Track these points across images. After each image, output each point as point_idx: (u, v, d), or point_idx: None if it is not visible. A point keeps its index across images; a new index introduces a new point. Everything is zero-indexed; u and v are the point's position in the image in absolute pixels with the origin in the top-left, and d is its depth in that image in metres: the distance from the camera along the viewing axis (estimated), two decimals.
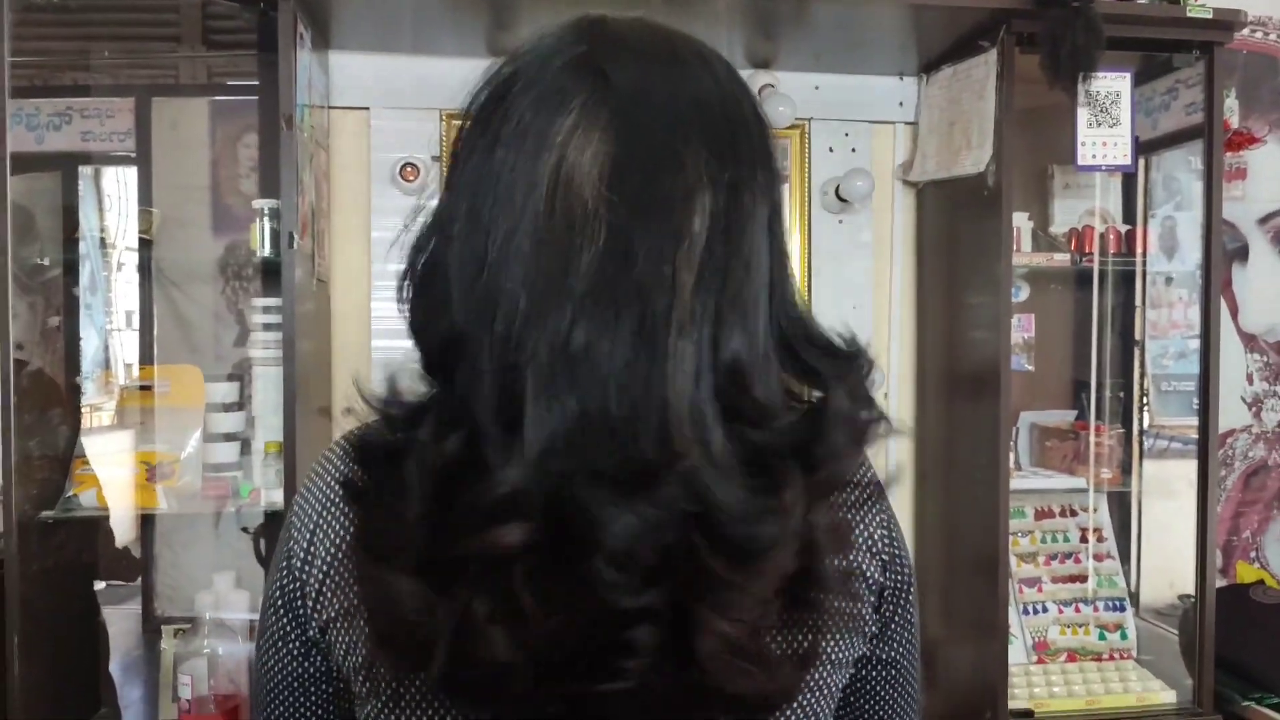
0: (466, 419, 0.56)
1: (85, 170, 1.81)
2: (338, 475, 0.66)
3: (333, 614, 0.66)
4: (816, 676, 0.67)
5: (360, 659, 0.65)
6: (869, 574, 0.69)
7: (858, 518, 0.69)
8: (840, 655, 0.68)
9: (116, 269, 1.83)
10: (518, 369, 0.54)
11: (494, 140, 0.58)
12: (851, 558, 0.68)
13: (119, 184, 1.85)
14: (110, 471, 1.62)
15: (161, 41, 1.85)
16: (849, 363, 0.62)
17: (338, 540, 0.66)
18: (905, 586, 0.72)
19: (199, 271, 1.85)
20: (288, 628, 0.69)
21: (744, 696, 0.56)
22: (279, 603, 0.69)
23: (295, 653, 0.69)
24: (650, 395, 0.54)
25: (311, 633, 0.67)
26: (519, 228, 0.56)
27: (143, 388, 1.72)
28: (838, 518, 0.63)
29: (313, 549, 0.67)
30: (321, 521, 0.67)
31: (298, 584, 0.67)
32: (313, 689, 0.69)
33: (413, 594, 0.55)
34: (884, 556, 0.70)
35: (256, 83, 1.83)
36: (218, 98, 1.89)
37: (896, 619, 0.72)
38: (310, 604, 0.67)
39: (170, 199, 1.84)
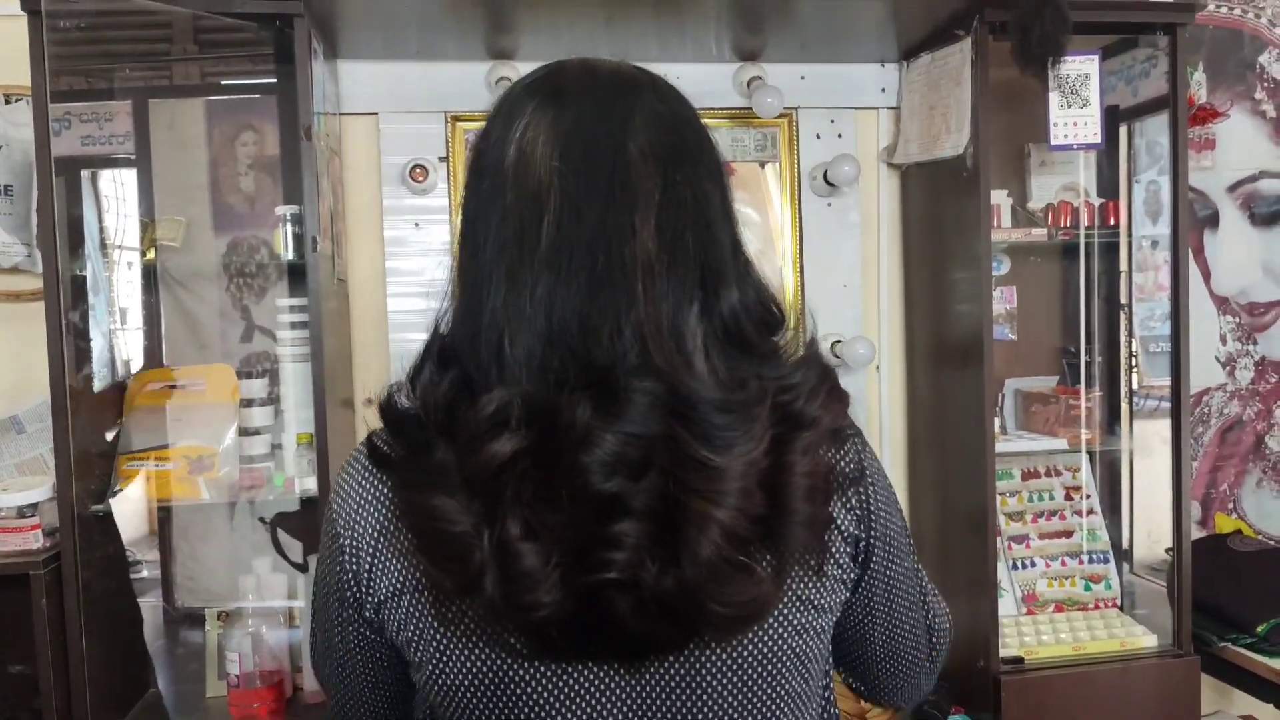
0: (459, 362, 0.68)
1: (86, 174, 1.82)
2: (366, 463, 0.75)
3: (383, 595, 0.75)
4: (801, 619, 0.74)
5: (410, 632, 0.74)
6: (843, 526, 0.76)
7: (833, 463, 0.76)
8: (822, 600, 0.75)
9: (127, 269, 1.88)
10: (498, 321, 0.66)
11: (479, 155, 0.73)
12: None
13: (118, 185, 1.88)
14: (152, 466, 1.73)
15: (155, 44, 1.88)
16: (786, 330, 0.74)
17: (379, 522, 0.74)
18: (883, 538, 0.79)
19: (202, 270, 1.91)
20: (348, 614, 0.78)
21: (728, 599, 0.65)
22: (333, 592, 0.78)
23: (356, 633, 0.79)
24: (615, 322, 0.65)
25: (368, 614, 0.76)
26: (494, 212, 0.69)
27: (174, 386, 1.82)
28: (815, 453, 0.70)
29: (357, 540, 0.75)
30: (361, 511, 0.75)
31: (350, 575, 0.76)
32: (378, 653, 0.80)
33: (455, 509, 0.65)
34: (857, 512, 0.77)
35: (251, 82, 1.89)
36: (213, 98, 1.93)
37: (875, 568, 0.79)
38: (363, 589, 0.76)
39: (171, 199, 1.89)
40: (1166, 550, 2.01)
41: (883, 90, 2.12)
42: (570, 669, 0.71)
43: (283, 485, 1.76)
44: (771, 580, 0.68)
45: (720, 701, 0.72)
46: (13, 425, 1.84)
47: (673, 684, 0.72)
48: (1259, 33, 2.32)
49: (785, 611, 0.73)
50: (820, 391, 0.70)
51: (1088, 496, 2.12)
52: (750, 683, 0.73)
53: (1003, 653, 1.86)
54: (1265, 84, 2.32)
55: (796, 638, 0.74)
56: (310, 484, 1.72)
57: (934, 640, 0.89)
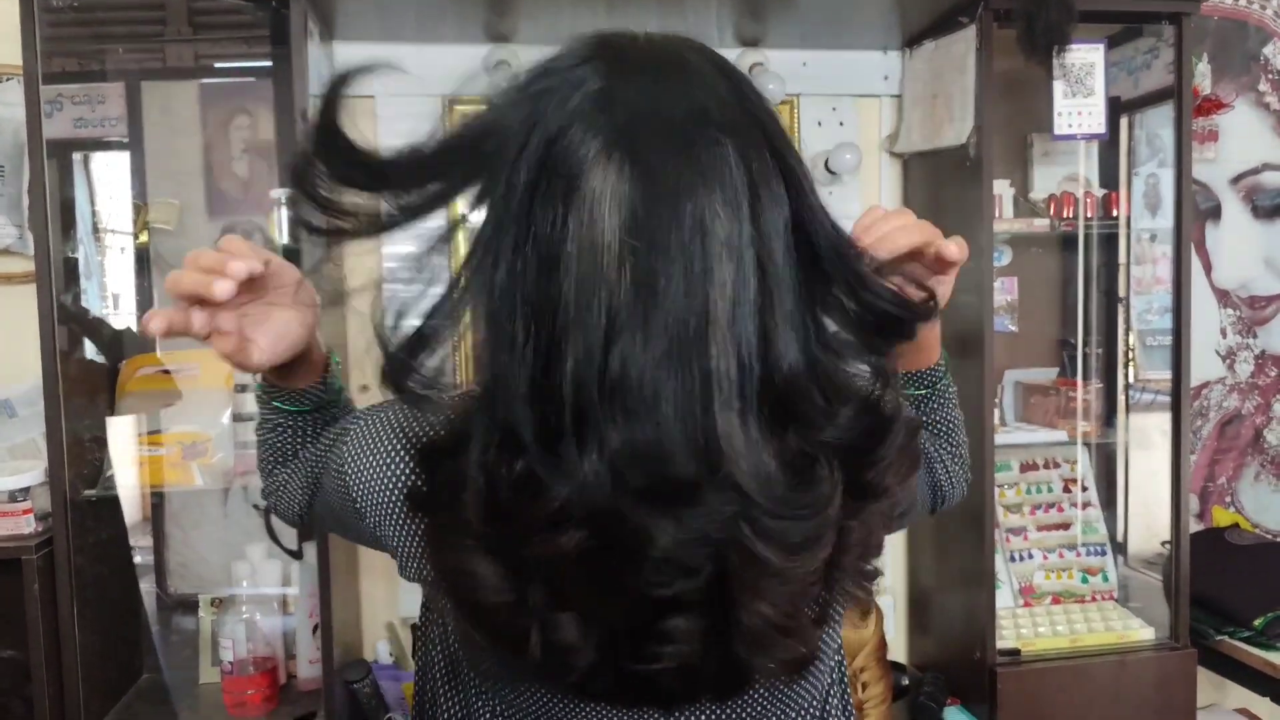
0: (523, 447, 0.59)
1: (78, 156, 1.82)
2: (402, 477, 0.71)
3: (418, 582, 0.74)
4: (833, 629, 0.75)
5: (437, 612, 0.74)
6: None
7: None
8: (843, 611, 0.75)
9: (120, 253, 1.87)
10: (562, 404, 0.58)
11: (530, 187, 0.60)
12: None
13: (110, 168, 1.86)
14: (146, 451, 1.71)
15: (149, 25, 1.87)
16: (873, 371, 0.66)
17: (416, 563, 0.72)
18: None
19: None
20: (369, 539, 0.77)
21: (776, 659, 0.63)
22: (352, 524, 0.77)
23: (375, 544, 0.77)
24: (688, 419, 0.58)
25: (398, 565, 0.75)
26: (555, 271, 0.59)
27: (166, 371, 1.80)
28: (871, 523, 0.65)
29: (394, 539, 0.73)
30: (395, 519, 0.73)
31: (379, 539, 0.75)
32: None
33: (499, 575, 0.61)
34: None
35: (246, 65, 1.88)
36: (206, 81, 1.91)
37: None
38: (400, 562, 0.75)
39: (164, 184, 1.87)
40: (1163, 543, 2.01)
41: (885, 78, 2.10)
42: (600, 706, 0.71)
43: None
44: (815, 634, 0.65)
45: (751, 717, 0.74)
46: (4, 409, 1.82)
47: (705, 714, 0.73)
48: (1264, 24, 2.30)
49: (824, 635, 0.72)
50: (899, 464, 0.64)
51: (1085, 489, 2.11)
52: (784, 699, 0.74)
53: (999, 645, 1.85)
54: (1270, 76, 2.31)
55: (827, 645, 0.75)
56: None
57: (937, 507, 0.89)
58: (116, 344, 1.83)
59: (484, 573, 0.61)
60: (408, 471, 0.71)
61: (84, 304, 1.74)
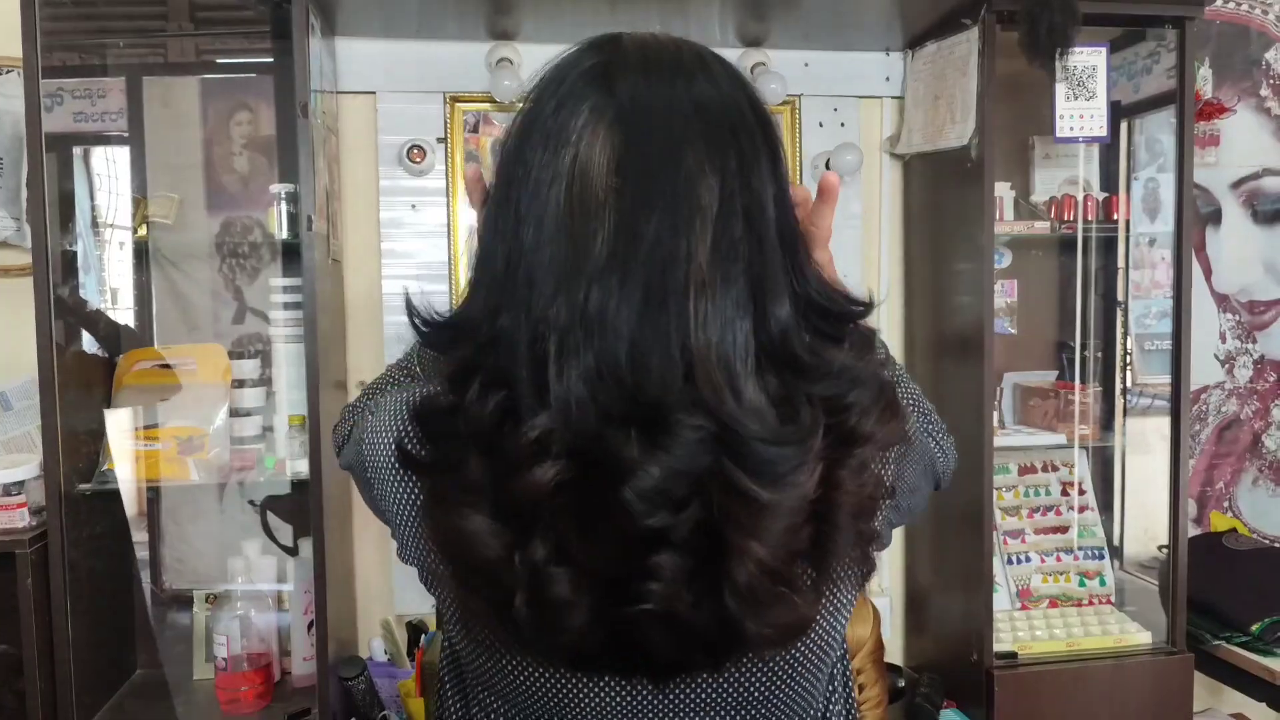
0: (505, 381, 0.63)
1: (78, 150, 1.81)
2: (394, 462, 0.72)
3: (415, 563, 0.74)
4: (832, 618, 0.73)
5: (436, 595, 0.74)
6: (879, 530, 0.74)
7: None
8: (853, 596, 0.75)
9: (119, 248, 1.86)
10: (544, 337, 0.62)
11: (524, 140, 0.67)
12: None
13: (110, 163, 1.86)
14: (141, 446, 1.70)
15: (150, 20, 1.87)
16: (856, 327, 0.70)
17: (411, 523, 0.73)
18: (909, 509, 0.80)
19: (195, 250, 1.89)
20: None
21: (769, 622, 0.63)
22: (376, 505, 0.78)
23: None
24: (665, 350, 0.61)
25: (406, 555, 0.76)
26: (546, 216, 0.64)
27: (165, 366, 1.79)
28: (866, 470, 0.66)
29: (395, 512, 0.74)
30: (399, 512, 0.74)
31: (385, 512, 0.76)
32: None
33: (487, 531, 0.62)
34: (890, 517, 0.76)
35: (247, 61, 1.88)
36: (208, 76, 1.91)
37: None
38: (401, 540, 0.75)
39: (164, 179, 1.87)
40: (1161, 548, 2.00)
41: (887, 79, 2.10)
42: (591, 678, 0.70)
43: (274, 467, 1.74)
44: (811, 600, 0.66)
45: (749, 708, 0.72)
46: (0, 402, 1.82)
47: (701, 696, 0.72)
48: (1266, 29, 2.30)
49: (820, 617, 0.72)
50: (874, 410, 0.66)
51: (1082, 492, 2.11)
52: (778, 686, 0.73)
53: (996, 647, 1.85)
54: (1271, 80, 2.31)
55: (826, 634, 0.74)
56: (302, 466, 1.70)
57: (940, 487, 0.90)
58: (114, 337, 1.82)
59: (475, 528, 0.63)
60: (406, 434, 0.71)
61: (82, 296, 1.73)
